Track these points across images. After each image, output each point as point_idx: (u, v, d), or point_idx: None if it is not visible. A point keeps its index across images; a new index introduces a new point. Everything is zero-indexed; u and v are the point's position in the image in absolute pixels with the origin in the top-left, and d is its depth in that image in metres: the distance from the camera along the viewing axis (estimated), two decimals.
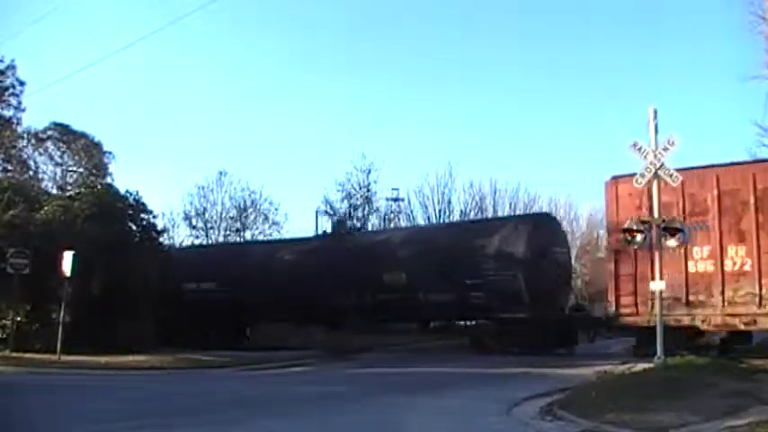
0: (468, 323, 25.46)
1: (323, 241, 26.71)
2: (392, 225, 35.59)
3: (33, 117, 40.97)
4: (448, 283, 21.62)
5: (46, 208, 20.66)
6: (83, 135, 31.04)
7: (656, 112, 13.53)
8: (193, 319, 25.53)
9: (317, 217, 30.08)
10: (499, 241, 21.96)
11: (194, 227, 37.78)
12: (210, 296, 26.52)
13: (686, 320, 16.78)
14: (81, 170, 30.51)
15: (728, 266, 16.62)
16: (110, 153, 31.45)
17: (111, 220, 20.84)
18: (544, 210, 36.89)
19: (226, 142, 61.72)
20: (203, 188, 38.05)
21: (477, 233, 23.87)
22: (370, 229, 34.27)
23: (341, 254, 24.08)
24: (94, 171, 29.95)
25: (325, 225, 35.03)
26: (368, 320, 23.85)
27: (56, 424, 8.76)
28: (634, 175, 13.57)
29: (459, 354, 21.74)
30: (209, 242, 37.22)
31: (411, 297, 22.68)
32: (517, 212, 36.30)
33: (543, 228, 22.98)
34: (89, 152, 30.73)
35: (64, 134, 30.82)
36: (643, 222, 13.89)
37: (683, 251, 16.35)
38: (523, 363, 17.11)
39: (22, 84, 28.15)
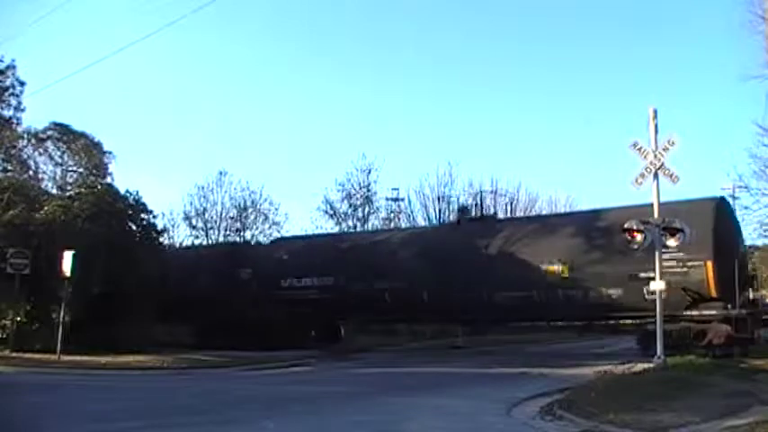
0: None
1: (443, 231, 25.14)
2: (392, 225, 35.56)
3: (33, 117, 40.98)
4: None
5: (46, 208, 20.64)
6: (83, 135, 30.98)
7: (656, 111, 13.57)
8: (293, 317, 24.40)
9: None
10: None
11: (194, 227, 37.75)
12: (308, 293, 24.85)
13: None
14: (81, 170, 30.43)
15: None
16: (110, 153, 31.38)
17: (111, 220, 20.83)
18: (544, 210, 36.95)
19: (226, 142, 61.77)
20: (203, 188, 37.97)
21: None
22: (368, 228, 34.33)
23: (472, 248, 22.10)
24: (94, 171, 29.87)
25: (325, 225, 35.28)
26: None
27: (56, 424, 8.76)
28: None
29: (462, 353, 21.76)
30: (208, 241, 37.13)
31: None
32: (517, 213, 36.35)
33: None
34: (89, 152, 30.66)
35: (64, 134, 30.76)
36: (644, 222, 13.91)
37: None
38: (523, 363, 17.11)
39: (22, 84, 28.10)
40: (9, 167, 28.84)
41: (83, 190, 22.52)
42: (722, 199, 20.45)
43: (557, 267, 20.01)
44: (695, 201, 18.90)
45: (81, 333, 17.79)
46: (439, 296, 21.94)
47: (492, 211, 36.89)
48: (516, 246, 21.56)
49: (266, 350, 20.77)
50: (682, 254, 17.01)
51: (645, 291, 16.37)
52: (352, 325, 27.93)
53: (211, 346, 20.90)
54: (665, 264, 14.95)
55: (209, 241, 36.94)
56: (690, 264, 17.63)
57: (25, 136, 29.90)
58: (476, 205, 25.73)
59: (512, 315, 23.40)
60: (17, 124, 28.93)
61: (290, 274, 25.47)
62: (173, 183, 67.02)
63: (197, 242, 37.01)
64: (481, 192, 32.04)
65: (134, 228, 22.27)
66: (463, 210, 25.33)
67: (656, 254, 13.79)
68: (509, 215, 35.50)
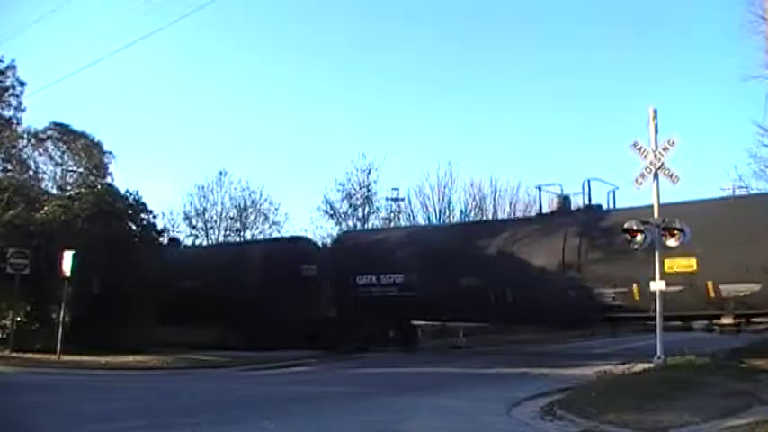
0: None
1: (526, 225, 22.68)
2: (392, 225, 35.57)
3: (33, 117, 40.87)
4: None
5: (46, 208, 20.66)
6: (83, 135, 30.99)
7: (655, 111, 13.56)
8: (371, 316, 23.59)
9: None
10: None
11: (194, 227, 37.82)
12: (389, 290, 23.09)
13: None
14: (81, 170, 30.43)
15: None
16: (110, 153, 31.38)
17: (111, 220, 20.84)
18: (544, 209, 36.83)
19: (226, 142, 61.74)
20: (203, 188, 38.08)
21: None
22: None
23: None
24: (94, 171, 29.87)
25: (325, 225, 35.27)
26: None
27: (56, 424, 8.75)
28: None
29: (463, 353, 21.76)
30: (208, 241, 37.14)
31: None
32: (517, 213, 36.30)
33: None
34: (89, 152, 30.67)
35: (64, 134, 30.77)
36: (644, 222, 13.91)
37: None
38: (523, 363, 17.11)
39: (22, 84, 28.08)
40: (9, 167, 28.85)
41: (83, 190, 22.54)
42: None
43: None
44: None
45: (81, 333, 17.80)
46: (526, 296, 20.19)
47: (492, 211, 37.04)
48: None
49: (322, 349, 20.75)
50: None
51: None
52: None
53: (260, 349, 20.35)
54: None
55: (209, 241, 37.01)
56: None
57: (25, 136, 29.90)
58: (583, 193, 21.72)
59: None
60: (17, 124, 28.93)
61: (368, 271, 23.25)
62: (173, 183, 67.14)
63: (197, 242, 37.12)
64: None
65: (134, 228, 22.28)
66: (565, 198, 22.24)
67: (656, 254, 13.80)
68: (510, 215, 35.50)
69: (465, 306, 21.18)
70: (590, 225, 20.06)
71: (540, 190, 23.43)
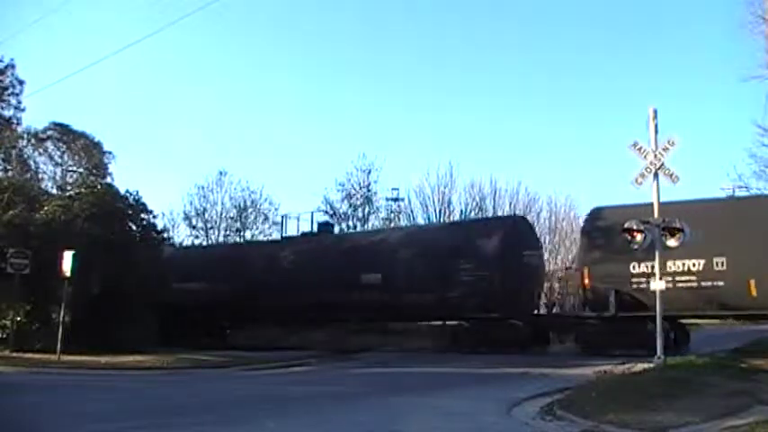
0: None
1: None
2: (392, 225, 35.56)
3: (33, 117, 41.07)
4: None
5: (46, 208, 20.67)
6: (83, 135, 31.05)
7: (655, 111, 13.54)
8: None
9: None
10: None
11: (194, 227, 37.85)
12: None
13: None
14: (81, 170, 30.49)
15: None
16: (110, 153, 31.48)
17: (111, 220, 20.84)
18: (544, 209, 36.89)
19: (226, 142, 61.77)
20: (203, 188, 38.14)
21: None
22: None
23: None
24: (94, 171, 29.93)
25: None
26: None
27: (56, 424, 8.75)
28: None
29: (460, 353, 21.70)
30: (208, 241, 37.09)
31: None
32: (517, 213, 36.27)
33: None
34: (89, 152, 30.73)
35: (64, 134, 30.83)
36: (644, 222, 13.90)
37: None
38: (523, 363, 17.09)
39: (21, 83, 28.15)
40: (9, 167, 28.88)
41: (83, 190, 22.55)
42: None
43: None
44: None
45: (81, 333, 17.80)
46: None
47: (492, 211, 36.96)
48: None
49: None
50: None
51: None
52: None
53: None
54: None
55: (209, 241, 36.98)
56: None
57: (25, 136, 29.96)
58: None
59: None
60: (17, 124, 29.01)
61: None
62: (173, 183, 67.20)
63: (196, 242, 37.10)
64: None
65: (134, 228, 22.29)
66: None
67: (656, 254, 13.79)
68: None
69: None
70: None
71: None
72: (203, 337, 24.31)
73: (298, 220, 27.83)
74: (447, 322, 23.56)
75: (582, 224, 22.54)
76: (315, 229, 27.13)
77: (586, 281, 19.93)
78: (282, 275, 24.55)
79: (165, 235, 29.46)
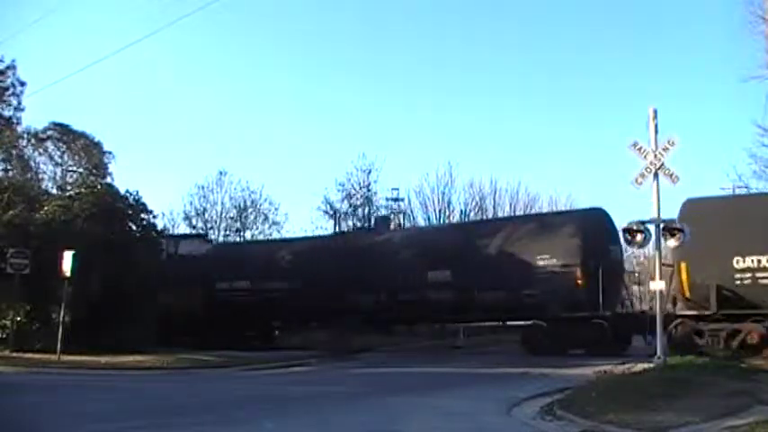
0: None
1: None
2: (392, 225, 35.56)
3: (33, 117, 40.99)
4: None
5: (46, 208, 20.67)
6: (83, 135, 31.02)
7: (655, 111, 13.53)
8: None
9: None
10: None
11: (194, 227, 37.80)
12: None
13: None
14: (81, 170, 30.47)
15: None
16: (110, 153, 31.44)
17: (111, 220, 20.85)
18: (544, 208, 36.86)
19: (226, 142, 61.75)
20: (203, 188, 38.13)
21: None
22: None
23: None
24: (94, 171, 29.91)
25: (326, 225, 35.22)
26: None
27: (56, 424, 8.75)
28: None
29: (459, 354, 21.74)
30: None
31: None
32: (517, 212, 36.30)
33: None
34: (89, 152, 30.71)
35: (64, 134, 30.80)
36: (643, 222, 13.89)
37: None
38: (523, 363, 17.10)
39: (22, 84, 28.15)
40: (9, 167, 28.87)
41: (83, 190, 22.54)
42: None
43: None
44: None
45: (81, 333, 17.80)
46: None
47: (492, 211, 36.96)
48: None
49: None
50: None
51: None
52: None
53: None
54: None
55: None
56: None
57: (25, 136, 29.95)
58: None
59: None
60: (17, 124, 29.00)
61: None
62: (173, 183, 67.20)
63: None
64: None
65: (134, 228, 22.29)
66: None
67: (656, 253, 13.78)
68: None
69: None
70: None
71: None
72: (252, 339, 24.42)
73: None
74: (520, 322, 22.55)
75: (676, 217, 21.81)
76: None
77: (683, 276, 18.72)
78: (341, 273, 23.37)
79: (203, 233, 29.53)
